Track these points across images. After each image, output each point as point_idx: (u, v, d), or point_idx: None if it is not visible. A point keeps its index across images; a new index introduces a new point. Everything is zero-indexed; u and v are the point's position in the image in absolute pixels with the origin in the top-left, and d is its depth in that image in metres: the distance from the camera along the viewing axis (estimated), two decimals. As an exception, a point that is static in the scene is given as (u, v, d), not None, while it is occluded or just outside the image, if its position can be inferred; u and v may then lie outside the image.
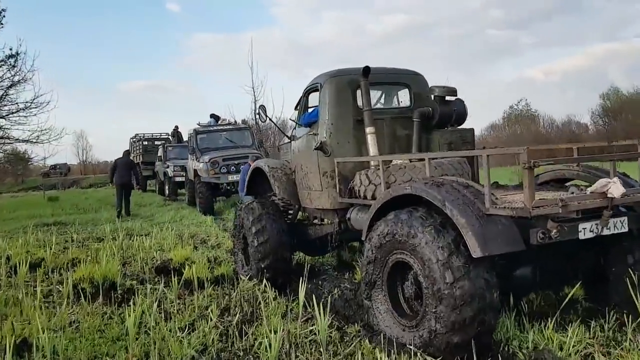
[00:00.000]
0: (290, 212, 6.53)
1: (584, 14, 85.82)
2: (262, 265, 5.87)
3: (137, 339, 4.31)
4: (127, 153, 16.26)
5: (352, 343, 4.02)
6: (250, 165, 8.09)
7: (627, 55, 73.34)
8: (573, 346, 3.64)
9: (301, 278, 5.16)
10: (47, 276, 6.99)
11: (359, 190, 5.04)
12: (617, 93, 45.85)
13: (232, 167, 14.32)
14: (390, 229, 3.94)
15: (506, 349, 3.81)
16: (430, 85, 5.86)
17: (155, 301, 5.12)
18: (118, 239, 9.39)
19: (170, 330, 4.46)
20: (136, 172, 16.44)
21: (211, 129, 16.70)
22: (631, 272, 4.08)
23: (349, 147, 5.45)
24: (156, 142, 27.92)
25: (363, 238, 4.40)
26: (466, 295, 3.46)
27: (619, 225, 3.74)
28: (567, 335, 3.75)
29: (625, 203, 3.74)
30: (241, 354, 4.01)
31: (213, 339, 4.23)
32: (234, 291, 5.58)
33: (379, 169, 4.71)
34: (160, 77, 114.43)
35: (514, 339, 3.92)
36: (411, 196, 3.97)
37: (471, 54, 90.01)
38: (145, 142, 28.53)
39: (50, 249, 8.97)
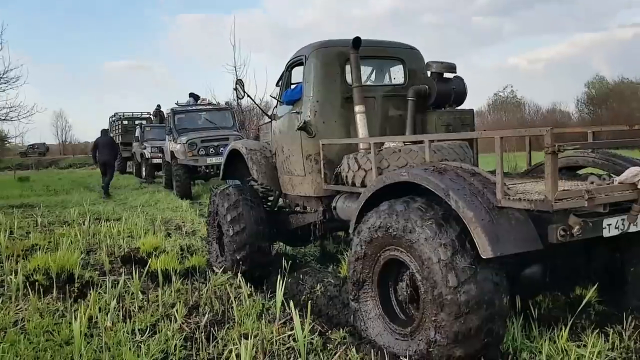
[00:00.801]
0: (270, 198, 6.01)
1: (565, 3, 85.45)
2: (238, 257, 5.34)
3: (88, 343, 3.74)
4: (105, 132, 15.47)
5: (336, 352, 3.48)
6: None
7: (610, 44, 73.36)
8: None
9: (279, 273, 4.60)
10: (0, 265, 6.36)
11: (346, 176, 4.48)
12: (602, 82, 45.66)
13: (211, 149, 13.66)
14: (383, 222, 3.39)
15: (515, 362, 3.32)
16: (427, 60, 5.30)
17: (114, 297, 4.54)
18: (84, 224, 8.70)
19: (128, 333, 3.89)
20: (117, 151, 15.84)
21: (190, 108, 15.95)
22: None
23: (335, 127, 4.88)
24: (137, 122, 26.75)
25: (351, 231, 3.86)
26: (472, 301, 2.94)
27: (648, 222, 3.23)
28: (584, 345, 3.26)
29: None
30: (207, 364, 3.47)
31: (176, 344, 3.66)
32: (205, 286, 5.00)
33: (369, 152, 4.15)
34: (143, 57, 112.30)
35: (523, 349, 3.40)
36: (407, 184, 3.42)
37: (456, 41, 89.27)
38: (125, 122, 27.32)
39: (11, 233, 8.34)
